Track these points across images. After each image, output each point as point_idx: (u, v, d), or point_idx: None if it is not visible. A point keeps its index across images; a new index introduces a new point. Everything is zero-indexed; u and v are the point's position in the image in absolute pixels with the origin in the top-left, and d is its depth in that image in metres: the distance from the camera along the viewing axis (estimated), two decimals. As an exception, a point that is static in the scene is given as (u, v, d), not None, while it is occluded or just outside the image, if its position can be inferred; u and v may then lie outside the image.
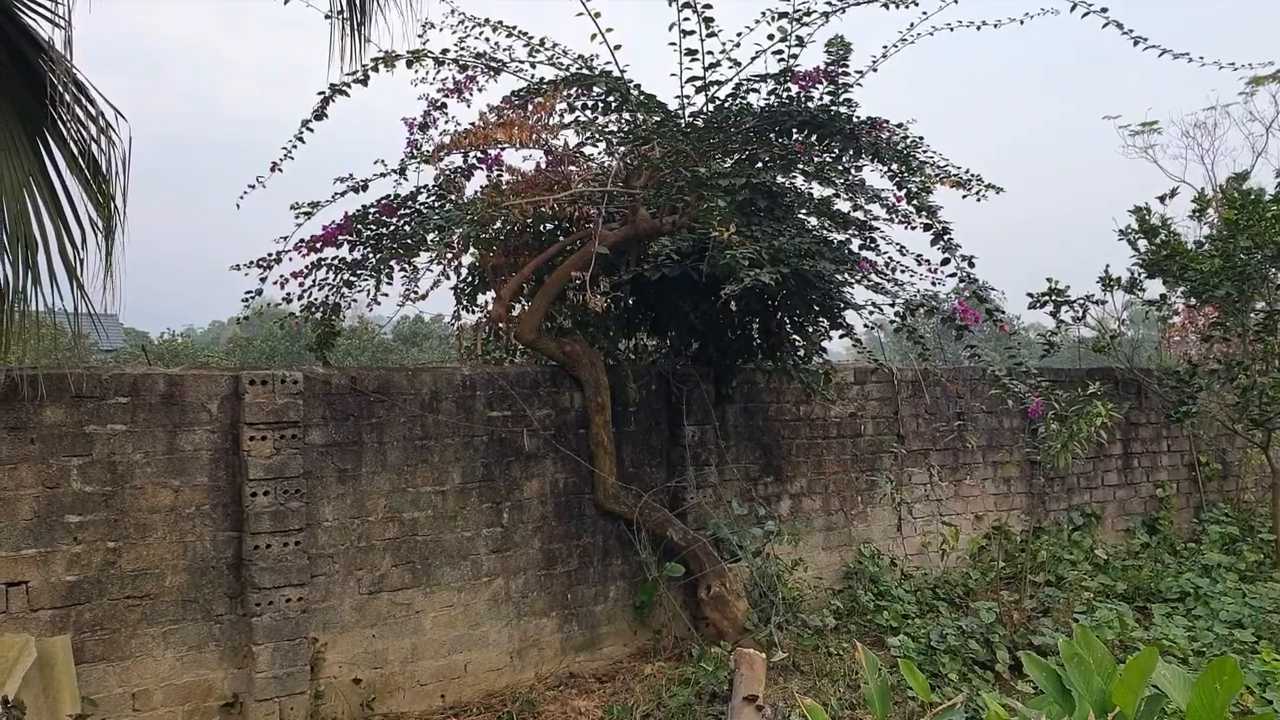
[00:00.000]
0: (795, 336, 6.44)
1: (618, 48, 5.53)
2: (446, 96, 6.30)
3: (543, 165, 6.34)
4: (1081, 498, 9.06)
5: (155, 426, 4.80)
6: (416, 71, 6.29)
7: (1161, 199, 9.13)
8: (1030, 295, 8.17)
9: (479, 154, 6.19)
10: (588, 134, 5.72)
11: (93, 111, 4.06)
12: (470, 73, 6.22)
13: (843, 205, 5.60)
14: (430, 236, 5.65)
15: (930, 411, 8.09)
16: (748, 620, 5.96)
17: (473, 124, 5.44)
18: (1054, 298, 8.07)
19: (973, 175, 6.26)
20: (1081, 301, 8.25)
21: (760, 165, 5.08)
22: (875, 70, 6.23)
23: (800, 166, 5.12)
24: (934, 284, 6.01)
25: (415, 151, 6.14)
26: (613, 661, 6.23)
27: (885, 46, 6.21)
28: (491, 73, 6.09)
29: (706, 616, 6.09)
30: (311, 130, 5.71)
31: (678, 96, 5.32)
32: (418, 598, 5.55)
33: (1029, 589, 6.77)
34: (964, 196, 6.27)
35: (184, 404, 4.89)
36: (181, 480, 4.86)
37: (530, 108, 5.25)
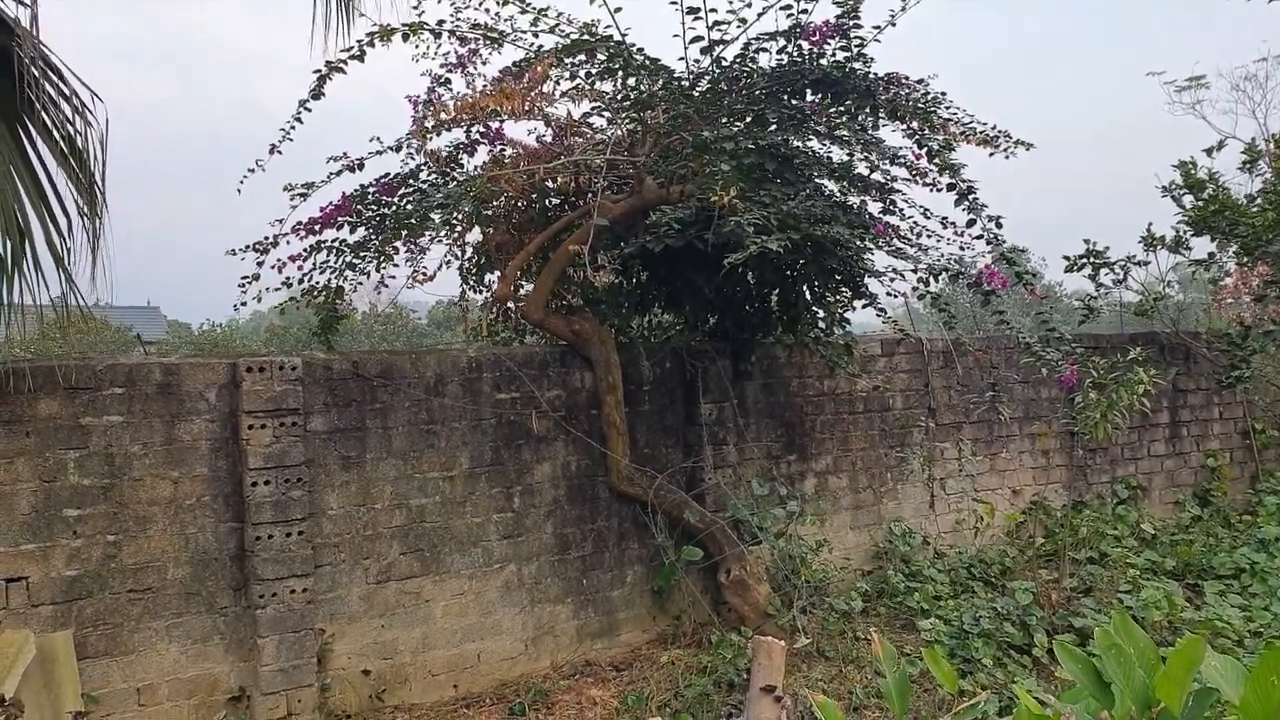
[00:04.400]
0: (816, 308, 6.16)
1: (618, 10, 5.28)
2: (450, 72, 6.10)
3: (548, 138, 6.14)
4: (1126, 469, 8.67)
5: (152, 417, 4.70)
6: (417, 47, 6.12)
7: (1208, 152, 8.65)
8: (1067, 258, 7.78)
9: (481, 128, 6.00)
10: (590, 102, 5.48)
11: (65, 90, 3.92)
12: (472, 45, 6.02)
13: (861, 167, 5.30)
14: (433, 216, 5.47)
15: (962, 383, 7.76)
16: (770, 605, 5.75)
17: (466, 95, 5.22)
18: (1092, 259, 7.67)
19: (1000, 132, 5.92)
20: (1123, 263, 7.84)
21: (771, 127, 4.79)
22: (894, 25, 5.91)
23: (811, 126, 4.83)
24: (962, 248, 5.71)
25: (420, 129, 5.97)
26: (631, 649, 6.06)
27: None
28: (494, 45, 5.88)
29: (727, 601, 5.89)
30: (310, 110, 5.56)
31: (681, 59, 5.06)
32: (427, 586, 5.42)
33: (1069, 567, 6.46)
34: (991, 154, 5.94)
35: (181, 393, 4.78)
36: (181, 471, 4.76)
37: (526, 77, 5.02)
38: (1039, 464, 8.17)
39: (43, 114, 4.07)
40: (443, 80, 6.00)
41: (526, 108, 4.97)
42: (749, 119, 4.68)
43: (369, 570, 5.25)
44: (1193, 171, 8.46)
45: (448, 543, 5.49)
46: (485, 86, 5.26)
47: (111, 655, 4.56)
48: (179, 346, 26.67)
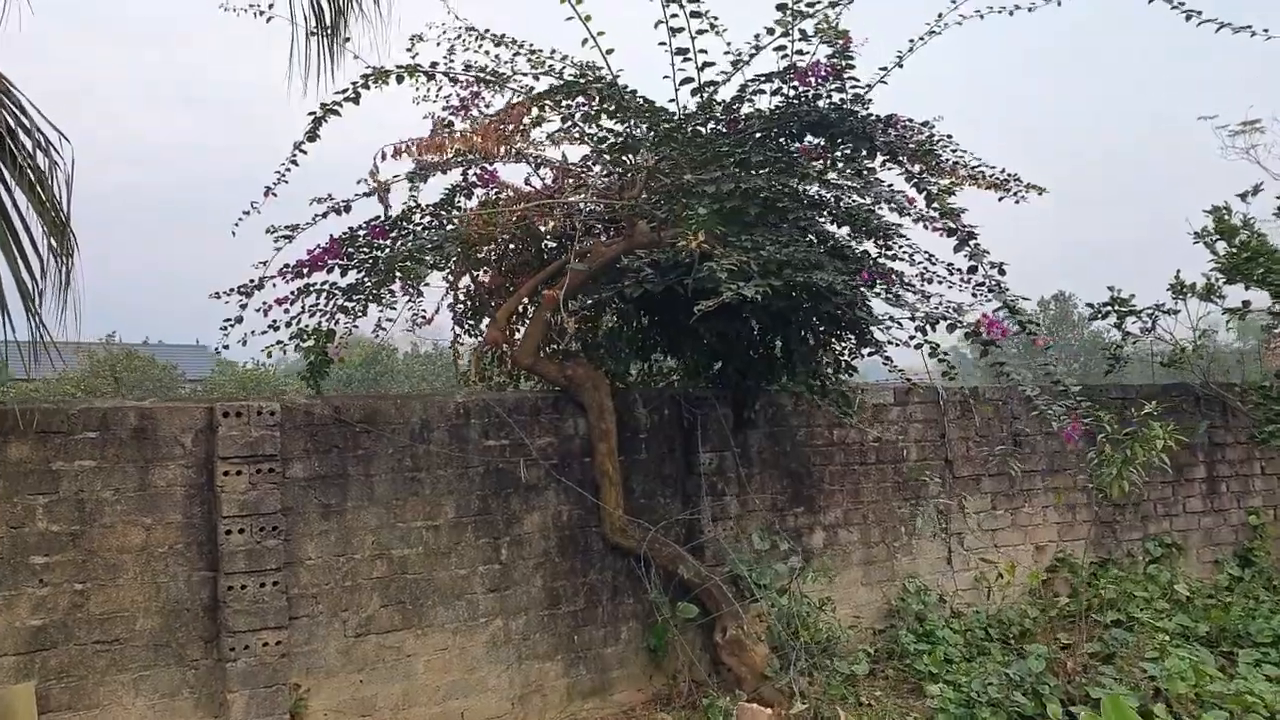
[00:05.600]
0: (822, 355, 5.94)
1: (610, 52, 5.19)
2: (453, 114, 6.07)
3: (548, 181, 6.06)
4: (1160, 526, 8.25)
5: (126, 462, 4.61)
6: (416, 89, 6.11)
7: (1243, 196, 8.31)
8: (1090, 306, 7.48)
9: (478, 171, 5.93)
10: (574, 144, 5.39)
11: (27, 124, 3.90)
12: (475, 89, 5.99)
13: (858, 211, 5.11)
14: (425, 258, 5.37)
15: (980, 434, 7.45)
16: (768, 667, 5.46)
17: (437, 136, 5.15)
18: (1116, 308, 7.36)
19: (1010, 175, 5.73)
20: (1150, 311, 7.52)
21: (759, 170, 4.63)
22: (901, 66, 5.76)
23: (799, 170, 4.67)
24: (974, 295, 5.48)
25: (418, 173, 5.92)
26: (624, 709, 5.80)
27: (911, 40, 5.74)
28: (496, 87, 5.83)
29: (723, 661, 5.61)
30: (305, 152, 5.52)
31: (672, 100, 4.94)
32: (409, 640, 5.24)
33: (1093, 630, 6.09)
34: (1000, 199, 5.74)
35: (156, 438, 4.69)
36: (154, 518, 4.65)
37: (501, 117, 4.93)
38: (1064, 519, 7.80)
39: (12, 151, 4.05)
40: (446, 123, 5.97)
41: (501, 150, 4.88)
42: (734, 162, 4.53)
43: (348, 623, 5.08)
44: (1226, 217, 8.14)
45: (431, 595, 5.31)
46: (464, 128, 5.18)
47: (75, 709, 4.42)
48: (223, 385, 27.04)
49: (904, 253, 5.43)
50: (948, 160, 5.57)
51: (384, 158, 4.87)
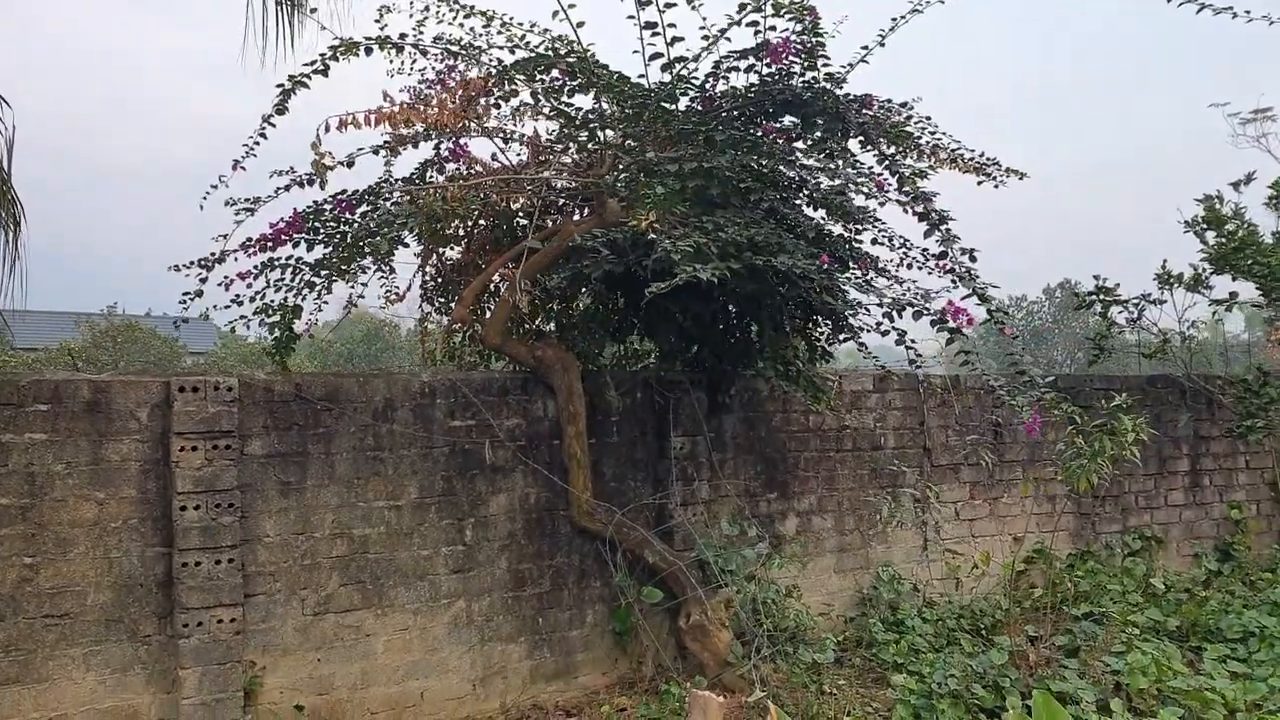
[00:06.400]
0: (790, 341, 5.86)
1: (580, 25, 5.08)
2: (430, 88, 5.95)
3: (524, 158, 5.95)
4: (1140, 519, 8.19)
5: (78, 435, 4.54)
6: (390, 62, 5.99)
7: (1235, 185, 8.19)
8: (1076, 295, 7.37)
9: (450, 146, 5.83)
10: (537, 118, 5.28)
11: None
12: (450, 62, 5.88)
13: (829, 192, 5.00)
14: (387, 235, 5.27)
15: (961, 423, 7.38)
16: (731, 653, 5.42)
17: (384, 107, 5.04)
18: (1101, 297, 7.26)
19: (990, 160, 5.62)
20: (1136, 301, 7.42)
21: (725, 151, 4.52)
22: (883, 45, 5.65)
23: (764, 150, 4.56)
24: (955, 283, 5.38)
25: (386, 145, 5.82)
26: (588, 692, 5.76)
27: (894, 18, 5.63)
28: (468, 60, 5.72)
29: (687, 647, 5.57)
30: (274, 125, 5.39)
31: (642, 76, 4.84)
32: (368, 619, 5.19)
33: (1062, 623, 6.04)
34: (980, 183, 5.63)
35: (110, 412, 4.62)
36: (107, 493, 4.59)
37: (457, 89, 4.82)
38: (1043, 510, 7.73)
39: None
40: (422, 96, 5.85)
41: (460, 123, 4.77)
42: (700, 140, 4.42)
43: (306, 601, 5.03)
44: (1217, 206, 8.02)
45: (392, 575, 5.26)
46: (406, 100, 5.06)
47: (22, 683, 4.38)
48: (224, 359, 26.91)
49: (883, 237, 5.33)
50: (927, 143, 5.47)
51: (328, 129, 4.75)
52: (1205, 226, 7.80)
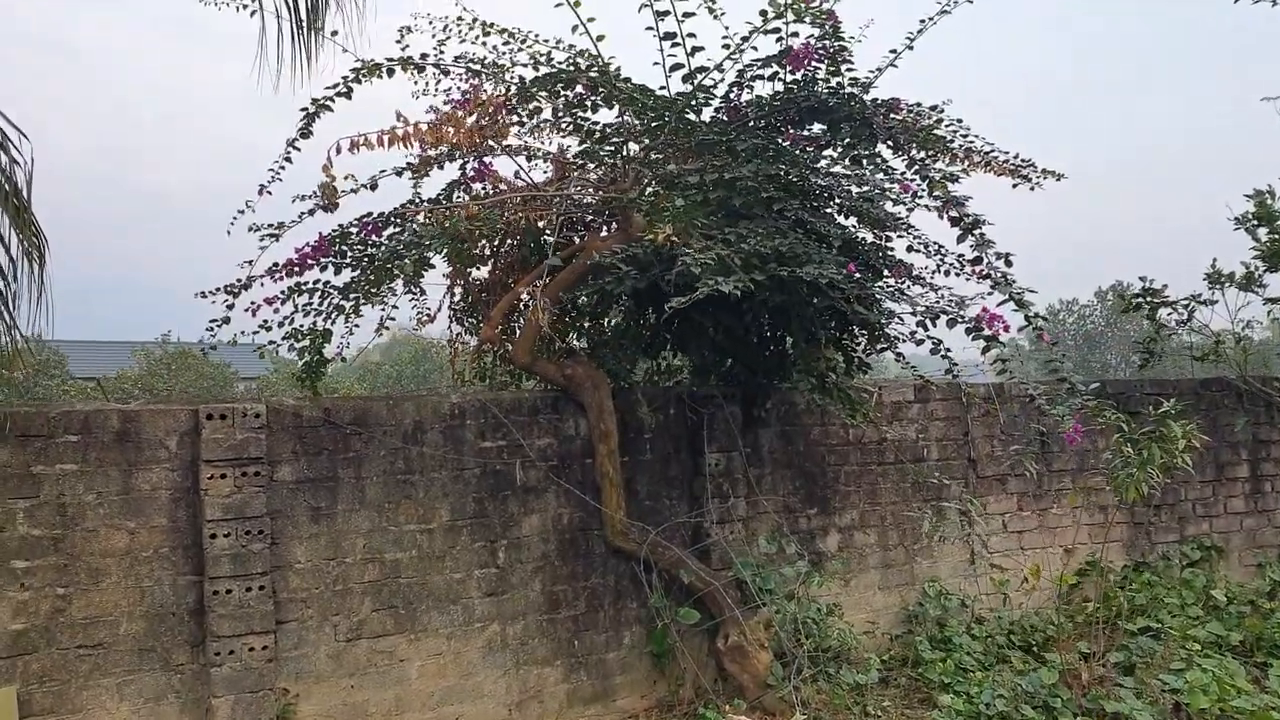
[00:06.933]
0: (823, 353, 5.72)
1: (600, 38, 5.03)
2: (456, 108, 5.94)
3: (549, 175, 5.91)
4: (1198, 527, 7.87)
5: (109, 465, 4.56)
6: (415, 83, 5.99)
7: (1288, 181, 7.88)
8: (1122, 298, 7.13)
9: (475, 166, 5.80)
10: (559, 135, 5.22)
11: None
12: (473, 81, 5.86)
13: (857, 200, 4.87)
14: (412, 257, 5.25)
15: (1006, 432, 7.15)
16: (771, 675, 5.27)
17: (396, 127, 5.01)
18: (1149, 299, 7.01)
19: (1026, 161, 5.45)
20: (1186, 302, 7.15)
21: (747, 160, 4.42)
22: (911, 48, 5.53)
23: (788, 158, 4.45)
24: (992, 289, 5.21)
25: (409, 166, 5.81)
26: (626, 715, 5.64)
27: (923, 20, 5.51)
28: (491, 78, 5.70)
29: (726, 669, 5.43)
30: (299, 149, 5.42)
31: (663, 88, 4.76)
32: (401, 645, 5.13)
33: (1118, 639, 5.78)
34: (1014, 185, 5.47)
35: (140, 441, 4.63)
36: (138, 522, 4.59)
37: (473, 108, 4.79)
38: (1095, 520, 7.46)
39: None
40: (444, 116, 5.84)
41: (477, 140, 4.73)
42: (722, 151, 4.33)
43: (338, 627, 4.99)
44: (1268, 201, 7.72)
45: (425, 599, 5.20)
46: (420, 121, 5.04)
47: (58, 713, 4.38)
48: (276, 383, 27.30)
49: (918, 244, 5.19)
50: (959, 146, 5.32)
51: (339, 151, 4.74)
52: (1256, 223, 7.51)
